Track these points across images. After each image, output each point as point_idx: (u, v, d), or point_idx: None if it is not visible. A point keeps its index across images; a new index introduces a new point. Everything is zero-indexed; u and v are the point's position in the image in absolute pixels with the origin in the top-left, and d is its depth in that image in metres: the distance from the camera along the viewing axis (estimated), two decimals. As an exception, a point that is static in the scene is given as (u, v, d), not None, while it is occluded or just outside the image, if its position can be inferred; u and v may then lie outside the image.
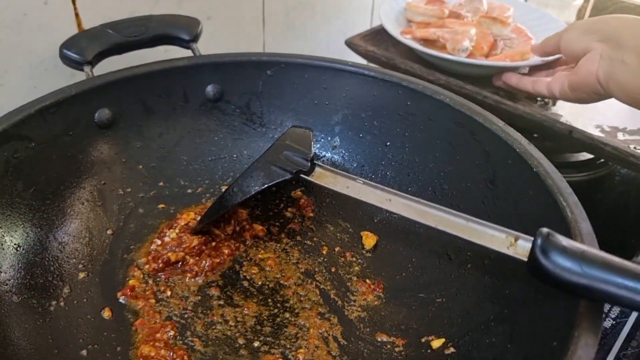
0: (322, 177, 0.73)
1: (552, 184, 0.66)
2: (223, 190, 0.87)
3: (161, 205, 0.85)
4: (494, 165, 0.76)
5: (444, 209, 0.64)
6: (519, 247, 0.58)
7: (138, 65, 0.85)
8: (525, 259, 0.56)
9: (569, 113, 1.02)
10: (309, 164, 0.74)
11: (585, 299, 0.52)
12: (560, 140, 0.99)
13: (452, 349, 0.66)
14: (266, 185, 0.72)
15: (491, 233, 0.60)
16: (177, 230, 0.80)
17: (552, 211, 0.64)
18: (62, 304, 0.69)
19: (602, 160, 1.10)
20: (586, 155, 1.11)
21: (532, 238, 0.56)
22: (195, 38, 0.92)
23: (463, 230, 0.62)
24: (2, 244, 0.68)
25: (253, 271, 0.78)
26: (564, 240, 0.54)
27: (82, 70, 0.84)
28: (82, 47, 0.84)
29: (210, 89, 0.90)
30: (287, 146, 0.76)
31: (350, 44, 1.19)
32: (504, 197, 0.74)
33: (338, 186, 0.71)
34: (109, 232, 0.80)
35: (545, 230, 0.54)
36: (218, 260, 0.78)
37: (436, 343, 0.68)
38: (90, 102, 0.81)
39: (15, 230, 0.70)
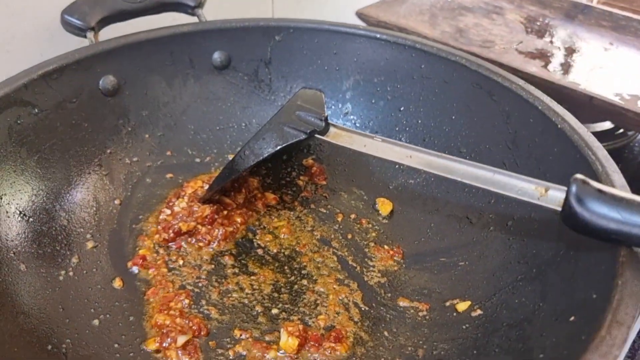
0: (338, 137, 0.70)
1: (579, 139, 0.64)
2: (232, 159, 0.85)
3: (169, 175, 0.83)
4: (514, 125, 0.74)
5: (468, 162, 0.62)
6: (551, 197, 0.55)
7: (142, 32, 0.82)
8: (559, 209, 0.53)
9: (587, 80, 0.99)
10: (324, 124, 0.71)
11: (626, 246, 0.50)
12: (579, 108, 0.96)
13: (479, 311, 0.63)
14: (279, 147, 0.70)
15: (519, 184, 0.58)
16: (186, 200, 0.77)
17: (581, 166, 0.61)
18: (71, 273, 0.67)
19: (621, 130, 1.07)
20: (604, 126, 1.08)
21: (564, 187, 0.54)
22: (200, 4, 0.88)
23: (490, 182, 0.59)
24: (7, 212, 0.65)
25: (267, 239, 0.76)
26: (600, 187, 0.51)
27: (84, 36, 0.81)
28: (84, 13, 0.81)
29: (217, 55, 0.87)
30: (300, 107, 0.73)
31: (361, 14, 1.16)
32: (526, 156, 0.71)
33: (355, 145, 0.68)
34: (117, 202, 0.77)
35: (579, 176, 0.52)
36: (231, 229, 0.75)
37: (462, 306, 0.65)
38: (94, 69, 0.77)
39: (21, 198, 0.67)
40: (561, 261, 0.59)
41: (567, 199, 0.52)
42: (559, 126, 0.66)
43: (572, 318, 0.51)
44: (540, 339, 0.54)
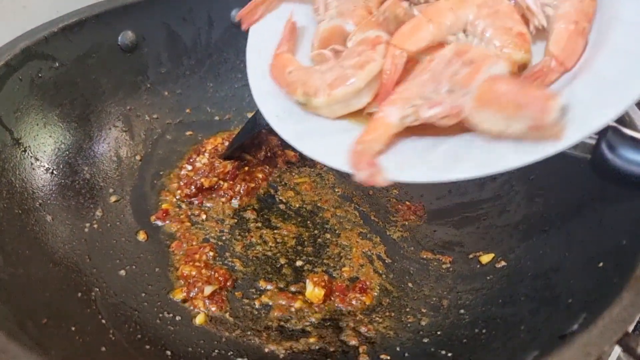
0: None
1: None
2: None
3: (189, 132, 0.82)
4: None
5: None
6: (580, 144, 0.55)
7: (161, -13, 0.82)
8: (589, 156, 0.53)
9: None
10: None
11: (658, 192, 0.50)
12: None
13: (503, 263, 0.64)
14: (304, 100, 0.69)
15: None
16: (207, 156, 0.77)
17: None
18: (95, 226, 0.67)
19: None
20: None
21: (594, 135, 0.53)
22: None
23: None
24: (32, 164, 0.65)
25: (289, 195, 0.76)
26: (632, 133, 0.51)
27: (102, -8, 0.80)
28: (102, -33, 0.80)
29: (235, 13, 0.86)
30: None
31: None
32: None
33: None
34: (137, 157, 0.77)
35: (611, 123, 0.52)
36: (253, 184, 0.75)
37: (485, 258, 0.66)
38: (113, 24, 0.77)
39: (44, 151, 0.67)
40: (587, 212, 0.59)
41: (597, 146, 0.52)
42: (584, 79, 0.66)
43: (600, 264, 0.52)
44: (567, 285, 0.54)
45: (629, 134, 0.51)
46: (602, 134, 0.51)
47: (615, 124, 0.52)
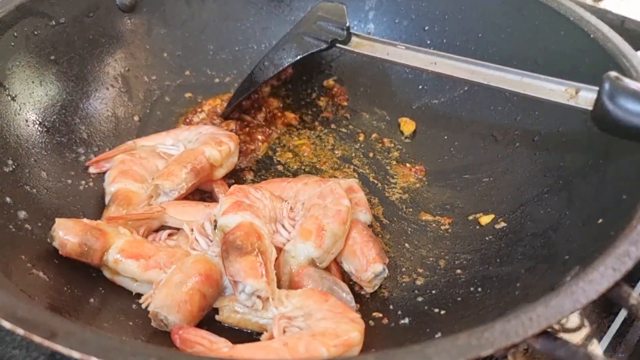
0: (360, 46, 0.68)
1: (613, 48, 0.61)
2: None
3: (188, 94, 0.81)
4: (544, 40, 0.71)
5: (494, 66, 0.59)
6: (581, 98, 0.53)
7: (160, -55, 0.80)
8: (590, 108, 0.51)
9: (616, 7, 0.95)
10: (345, 33, 0.68)
11: (660, 144, 0.48)
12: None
13: (503, 223, 0.62)
14: (300, 57, 0.68)
15: (549, 86, 0.56)
16: (203, 115, 0.77)
17: (614, 74, 0.59)
18: (91, 184, 0.67)
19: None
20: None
21: (596, 88, 0.52)
22: None
23: (517, 85, 0.57)
24: (27, 120, 0.65)
25: (288, 157, 0.75)
26: (634, 84, 0.49)
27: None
28: None
29: (235, -26, 0.84)
30: (320, 17, 0.70)
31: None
32: (556, 71, 0.68)
33: (378, 53, 0.66)
34: (136, 118, 0.76)
35: (612, 73, 0.50)
36: (252, 146, 0.74)
37: (485, 219, 0.64)
38: (111, -17, 0.76)
39: (39, 108, 0.67)
40: (589, 170, 0.58)
41: (599, 97, 0.50)
42: (591, 36, 0.64)
43: (599, 221, 0.50)
44: (566, 243, 0.53)
45: (631, 86, 0.49)
46: (603, 83, 0.50)
47: (616, 74, 0.50)
